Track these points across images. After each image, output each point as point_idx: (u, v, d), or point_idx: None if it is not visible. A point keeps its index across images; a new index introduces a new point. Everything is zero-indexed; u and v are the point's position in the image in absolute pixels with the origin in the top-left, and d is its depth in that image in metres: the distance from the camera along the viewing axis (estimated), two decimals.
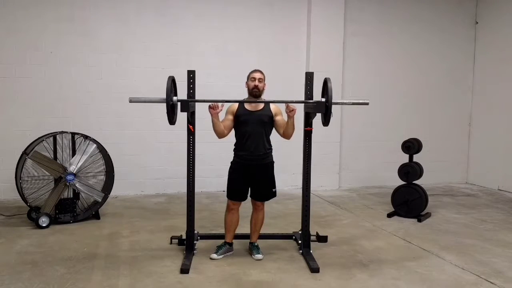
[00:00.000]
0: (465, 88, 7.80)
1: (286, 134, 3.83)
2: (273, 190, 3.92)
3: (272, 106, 3.87)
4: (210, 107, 3.66)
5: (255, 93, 3.80)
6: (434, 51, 7.57)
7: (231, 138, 3.98)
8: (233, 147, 3.93)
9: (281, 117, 3.88)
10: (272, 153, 3.94)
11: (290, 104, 3.67)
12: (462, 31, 7.68)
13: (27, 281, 3.29)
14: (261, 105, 3.84)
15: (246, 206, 4.03)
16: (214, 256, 3.84)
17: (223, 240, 3.98)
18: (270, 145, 3.91)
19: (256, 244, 3.98)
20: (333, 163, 7.11)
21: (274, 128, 3.90)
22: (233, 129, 3.89)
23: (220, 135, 3.80)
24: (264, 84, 3.85)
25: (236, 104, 3.85)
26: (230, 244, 3.97)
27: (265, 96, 3.95)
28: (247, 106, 3.84)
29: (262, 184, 3.87)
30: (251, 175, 3.84)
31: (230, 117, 3.83)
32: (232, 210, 3.92)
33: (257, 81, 3.79)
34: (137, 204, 5.87)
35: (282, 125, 3.84)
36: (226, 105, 3.84)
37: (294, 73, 6.69)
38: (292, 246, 4.21)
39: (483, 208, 5.96)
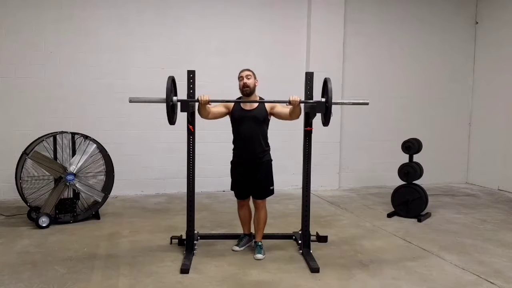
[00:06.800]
0: (465, 88, 7.81)
1: (294, 115, 3.75)
2: (271, 188, 3.97)
3: (266, 104, 3.87)
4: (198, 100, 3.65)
5: (246, 91, 3.79)
6: (434, 51, 7.57)
7: (231, 138, 3.99)
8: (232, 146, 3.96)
9: (279, 106, 3.86)
10: (270, 152, 3.97)
11: (292, 98, 3.64)
12: (462, 31, 7.68)
13: (27, 281, 3.29)
14: (256, 104, 3.85)
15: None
16: (236, 248, 4.02)
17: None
18: (268, 144, 3.93)
19: (260, 243, 3.99)
20: (333, 163, 7.11)
21: (279, 118, 3.89)
22: (226, 124, 3.97)
23: (203, 116, 3.81)
24: (256, 80, 3.84)
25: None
26: (250, 235, 4.12)
27: (265, 96, 3.94)
28: (242, 104, 3.87)
29: (260, 182, 3.90)
30: (249, 173, 3.88)
31: (223, 109, 3.87)
32: (242, 207, 4.09)
33: (245, 78, 3.78)
34: (137, 204, 5.87)
35: (283, 111, 3.82)
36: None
37: (294, 73, 6.68)
38: (292, 246, 4.21)
39: (483, 208, 5.95)
